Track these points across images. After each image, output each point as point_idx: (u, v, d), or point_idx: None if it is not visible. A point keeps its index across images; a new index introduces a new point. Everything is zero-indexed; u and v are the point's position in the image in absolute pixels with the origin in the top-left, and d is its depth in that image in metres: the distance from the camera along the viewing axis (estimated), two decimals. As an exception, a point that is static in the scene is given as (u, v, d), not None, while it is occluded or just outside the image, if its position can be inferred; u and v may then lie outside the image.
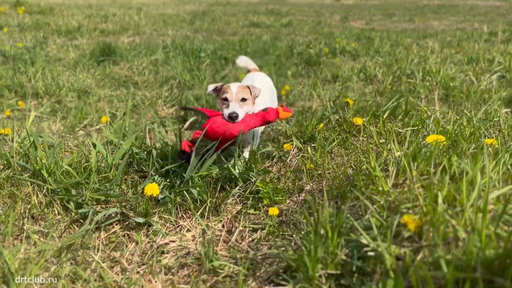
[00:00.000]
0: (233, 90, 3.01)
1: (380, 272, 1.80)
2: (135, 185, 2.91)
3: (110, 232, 2.56)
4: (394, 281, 1.52)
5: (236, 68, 6.67)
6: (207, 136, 2.83)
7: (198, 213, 2.65)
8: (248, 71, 4.33)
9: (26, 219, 2.50)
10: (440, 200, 1.81)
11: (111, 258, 2.35)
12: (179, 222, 2.61)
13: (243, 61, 4.45)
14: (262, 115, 3.02)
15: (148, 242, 2.47)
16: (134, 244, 2.46)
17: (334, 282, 1.90)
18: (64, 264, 2.18)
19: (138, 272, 2.21)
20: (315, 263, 1.91)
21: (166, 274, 2.21)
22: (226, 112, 2.91)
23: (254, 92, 3.13)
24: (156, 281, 2.14)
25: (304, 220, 2.39)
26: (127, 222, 2.64)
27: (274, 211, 2.49)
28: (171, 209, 2.66)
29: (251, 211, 2.67)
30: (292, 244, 2.25)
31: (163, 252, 2.38)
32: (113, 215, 2.63)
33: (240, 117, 2.90)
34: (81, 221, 2.60)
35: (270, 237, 2.47)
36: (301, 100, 4.81)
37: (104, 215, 2.58)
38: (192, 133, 2.84)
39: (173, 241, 2.48)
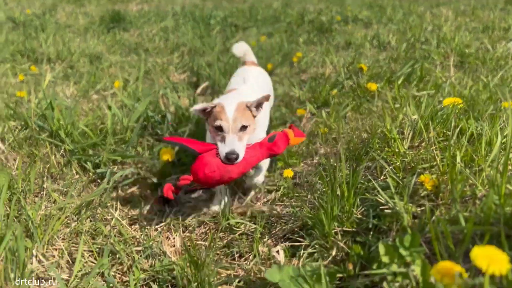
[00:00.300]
0: (229, 115, 2.16)
1: (396, 230, 1.82)
2: (150, 148, 2.94)
3: (127, 192, 2.61)
4: (411, 236, 1.54)
5: (247, 35, 6.60)
6: (198, 183, 2.14)
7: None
8: (244, 63, 3.32)
9: (45, 178, 2.54)
10: (458, 159, 1.82)
11: (129, 216, 2.41)
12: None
13: (240, 49, 3.40)
14: (268, 147, 2.25)
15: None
16: (151, 204, 2.51)
17: (350, 239, 1.93)
18: (84, 220, 2.23)
19: (156, 230, 2.26)
20: (331, 221, 1.94)
21: (184, 232, 2.26)
22: (222, 150, 2.12)
23: (257, 111, 2.33)
24: (174, 238, 2.18)
25: (319, 181, 2.41)
26: (144, 183, 2.68)
27: (289, 173, 2.51)
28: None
29: (266, 173, 2.69)
30: (307, 203, 2.28)
31: (179, 211, 2.43)
32: (129, 175, 2.67)
33: (241, 156, 2.13)
34: (99, 181, 2.65)
35: (284, 198, 2.50)
36: (313, 67, 4.77)
37: (121, 175, 2.62)
38: (179, 178, 2.21)
39: (189, 202, 2.52)
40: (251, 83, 2.79)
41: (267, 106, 2.72)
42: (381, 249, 1.56)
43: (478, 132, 2.19)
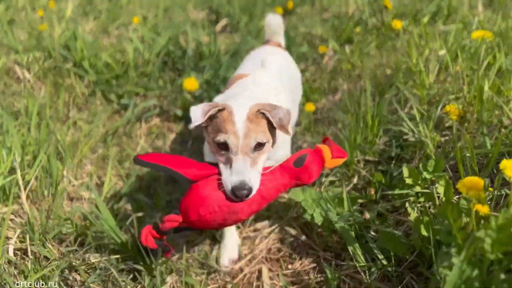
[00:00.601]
0: (239, 125, 1.50)
1: (419, 158, 1.84)
2: (172, 81, 2.96)
3: (151, 124, 2.66)
4: (435, 161, 1.56)
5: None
6: (191, 226, 1.51)
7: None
8: (266, 42, 2.51)
9: (71, 107, 2.59)
10: (486, 88, 1.80)
11: (153, 146, 2.47)
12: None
13: (274, 22, 2.52)
14: (294, 173, 1.54)
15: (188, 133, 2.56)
16: (174, 134, 2.56)
17: (372, 168, 1.96)
18: (110, 147, 2.30)
19: (180, 157, 2.31)
20: (354, 150, 1.96)
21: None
22: (228, 180, 1.46)
23: (280, 119, 1.54)
24: (198, 165, 2.24)
25: (342, 113, 2.41)
26: (166, 115, 2.72)
27: (310, 107, 2.51)
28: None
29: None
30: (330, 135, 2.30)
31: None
32: (152, 108, 2.71)
33: (255, 189, 1.47)
34: (122, 112, 2.70)
35: (306, 132, 2.52)
36: (336, 5, 4.63)
37: (144, 107, 2.65)
38: (162, 218, 1.53)
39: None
40: (271, 69, 2.03)
41: (288, 91, 2.02)
42: (405, 171, 1.59)
43: (506, 68, 2.15)
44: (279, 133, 1.60)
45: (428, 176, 1.54)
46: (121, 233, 1.65)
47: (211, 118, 1.54)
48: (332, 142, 1.66)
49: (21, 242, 1.63)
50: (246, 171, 1.45)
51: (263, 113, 1.53)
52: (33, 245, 1.60)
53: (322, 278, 1.63)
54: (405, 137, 1.94)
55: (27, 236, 1.62)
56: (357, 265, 1.54)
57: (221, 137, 1.48)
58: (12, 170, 1.79)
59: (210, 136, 1.55)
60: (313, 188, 1.95)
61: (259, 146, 1.50)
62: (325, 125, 2.52)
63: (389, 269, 1.49)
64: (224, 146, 1.49)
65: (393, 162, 1.92)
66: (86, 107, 2.66)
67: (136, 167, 2.16)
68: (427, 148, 1.78)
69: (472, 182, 1.16)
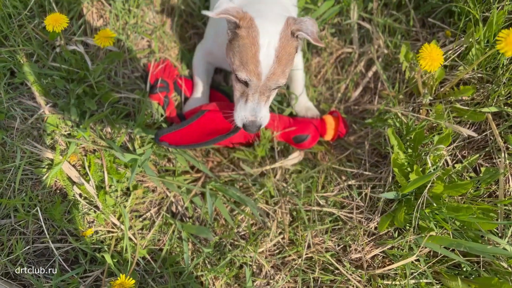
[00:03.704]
0: (264, 65, 1.46)
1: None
2: None
3: None
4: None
5: None
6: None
7: None
8: None
9: None
10: None
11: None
12: None
13: None
14: (288, 139, 2.00)
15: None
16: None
17: None
18: None
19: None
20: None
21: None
22: (240, 116, 1.60)
23: (312, 32, 1.49)
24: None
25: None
26: None
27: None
28: None
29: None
30: None
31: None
32: None
33: (265, 124, 1.63)
34: None
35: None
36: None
37: None
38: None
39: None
40: None
41: None
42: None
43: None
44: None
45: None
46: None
47: (235, 27, 1.48)
48: (340, 117, 1.99)
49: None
50: (258, 109, 1.55)
51: (296, 35, 1.49)
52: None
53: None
54: None
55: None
56: None
57: (242, 75, 1.49)
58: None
59: (230, 58, 1.54)
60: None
61: (278, 86, 1.55)
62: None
63: None
64: (244, 82, 1.53)
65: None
66: None
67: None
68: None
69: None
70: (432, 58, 1.61)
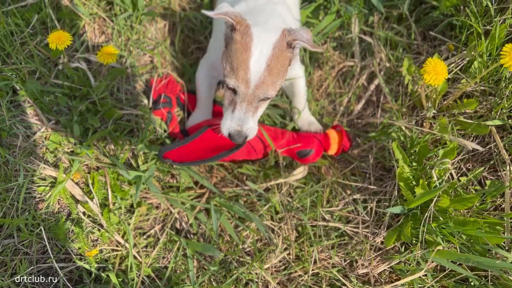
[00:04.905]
0: (253, 71, 1.44)
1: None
2: None
3: None
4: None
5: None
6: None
7: None
8: None
9: None
10: None
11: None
12: None
13: None
14: (292, 153, 2.00)
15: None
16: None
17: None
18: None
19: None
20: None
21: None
22: (226, 125, 1.55)
23: (308, 40, 1.51)
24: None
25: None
26: None
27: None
28: None
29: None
30: None
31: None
32: None
33: (251, 136, 1.57)
34: None
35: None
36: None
37: None
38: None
39: None
40: None
41: None
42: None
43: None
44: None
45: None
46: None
47: (232, 31, 1.49)
48: (344, 131, 2.01)
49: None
50: (245, 119, 1.51)
51: (293, 46, 1.50)
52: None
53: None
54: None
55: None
56: None
57: (231, 82, 1.48)
58: None
59: (223, 64, 1.54)
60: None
61: (267, 98, 1.52)
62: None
63: None
64: (233, 89, 1.50)
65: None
66: None
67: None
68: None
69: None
70: (436, 72, 1.62)
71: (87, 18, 2.07)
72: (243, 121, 1.51)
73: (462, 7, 2.06)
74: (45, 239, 1.68)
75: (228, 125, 1.54)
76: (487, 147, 1.81)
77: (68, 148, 1.89)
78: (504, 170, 1.75)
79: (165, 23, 2.25)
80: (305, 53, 2.22)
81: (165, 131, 2.00)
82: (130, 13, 2.12)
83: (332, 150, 2.01)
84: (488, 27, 1.92)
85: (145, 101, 2.06)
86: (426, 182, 1.74)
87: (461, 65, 1.96)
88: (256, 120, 1.57)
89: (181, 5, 2.30)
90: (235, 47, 1.46)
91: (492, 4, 1.90)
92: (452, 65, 1.97)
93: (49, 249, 1.69)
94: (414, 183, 1.81)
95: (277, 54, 1.45)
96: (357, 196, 1.94)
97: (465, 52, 1.95)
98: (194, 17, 2.29)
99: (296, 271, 1.81)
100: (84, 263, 1.71)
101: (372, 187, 1.95)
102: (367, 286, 1.72)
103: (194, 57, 2.28)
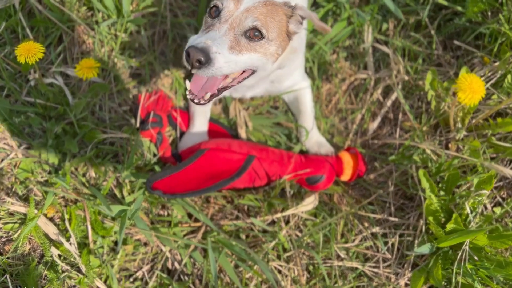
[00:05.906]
0: None
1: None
2: None
3: None
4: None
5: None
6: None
7: None
8: None
9: None
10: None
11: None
12: None
13: None
14: (299, 166, 1.73)
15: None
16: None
17: None
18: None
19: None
20: None
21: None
22: (192, 38, 1.24)
23: (298, 28, 1.39)
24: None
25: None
26: None
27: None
28: None
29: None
30: None
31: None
32: None
33: (215, 62, 1.17)
34: None
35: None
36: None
37: None
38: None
39: None
40: None
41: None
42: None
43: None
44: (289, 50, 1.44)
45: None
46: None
47: None
48: (359, 154, 1.75)
49: None
50: (220, 42, 1.19)
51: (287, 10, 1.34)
52: None
53: None
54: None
55: None
56: None
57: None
58: None
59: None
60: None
61: (255, 35, 1.26)
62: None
63: None
64: (215, 13, 1.26)
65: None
66: None
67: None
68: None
69: None
70: (472, 90, 1.38)
71: (65, 25, 1.80)
72: (216, 41, 1.18)
73: (490, 13, 1.82)
74: (11, 290, 1.41)
75: (194, 39, 1.20)
76: (526, 173, 1.58)
77: (42, 177, 1.63)
78: (547, 201, 1.51)
79: (154, 31, 1.99)
80: (313, 64, 1.97)
81: (154, 155, 1.74)
82: (114, 20, 1.86)
83: (346, 176, 1.76)
84: (523, 36, 1.69)
85: (132, 121, 1.79)
86: (459, 216, 1.50)
87: (493, 79, 1.73)
88: (230, 57, 1.21)
89: (173, 11, 2.05)
90: None
91: (527, 9, 1.68)
92: (482, 78, 1.73)
93: (15, 301, 1.43)
94: (442, 215, 1.57)
95: (272, 9, 1.29)
96: (376, 229, 1.69)
97: (496, 64, 1.72)
98: (187, 24, 2.03)
99: (308, 320, 1.56)
100: (59, 316, 1.45)
101: (393, 219, 1.70)
102: None
103: (187, 70, 2.02)
